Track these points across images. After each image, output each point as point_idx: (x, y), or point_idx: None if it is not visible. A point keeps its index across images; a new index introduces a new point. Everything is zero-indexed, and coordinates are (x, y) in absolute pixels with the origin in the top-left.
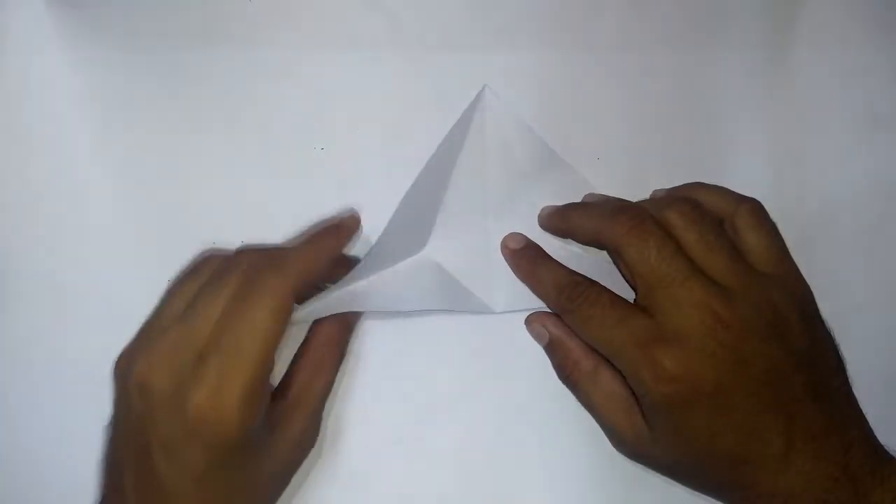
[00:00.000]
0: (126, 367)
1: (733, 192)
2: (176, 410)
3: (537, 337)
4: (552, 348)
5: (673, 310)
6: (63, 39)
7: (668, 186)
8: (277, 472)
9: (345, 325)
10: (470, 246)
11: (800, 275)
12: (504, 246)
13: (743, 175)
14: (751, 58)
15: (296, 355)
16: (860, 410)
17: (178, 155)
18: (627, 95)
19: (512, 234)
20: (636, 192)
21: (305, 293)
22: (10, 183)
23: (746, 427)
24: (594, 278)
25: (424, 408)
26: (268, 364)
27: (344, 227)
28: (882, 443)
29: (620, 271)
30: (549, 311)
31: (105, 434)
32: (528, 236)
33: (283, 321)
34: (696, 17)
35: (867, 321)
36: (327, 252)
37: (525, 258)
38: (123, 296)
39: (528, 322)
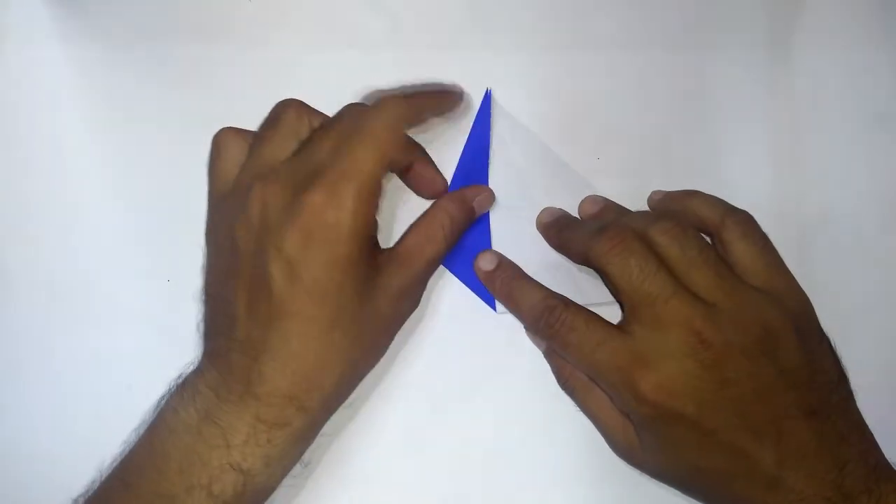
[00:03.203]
0: (245, 189)
1: (724, 204)
2: (294, 215)
3: (536, 343)
4: (550, 355)
5: (655, 329)
6: (62, 39)
7: (668, 187)
8: (381, 319)
9: (464, 206)
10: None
11: (795, 287)
12: (477, 268)
13: (743, 175)
14: (751, 58)
15: (413, 222)
16: (863, 425)
17: (178, 154)
18: (627, 95)
19: (484, 253)
20: (636, 193)
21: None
22: (8, 182)
23: (732, 445)
24: (589, 287)
25: (424, 408)
26: (381, 172)
27: (451, 93)
28: (885, 447)
29: (609, 290)
30: None
31: (204, 281)
32: (528, 236)
33: (398, 133)
34: (697, 17)
35: (868, 322)
36: (433, 101)
37: (499, 280)
38: (122, 295)
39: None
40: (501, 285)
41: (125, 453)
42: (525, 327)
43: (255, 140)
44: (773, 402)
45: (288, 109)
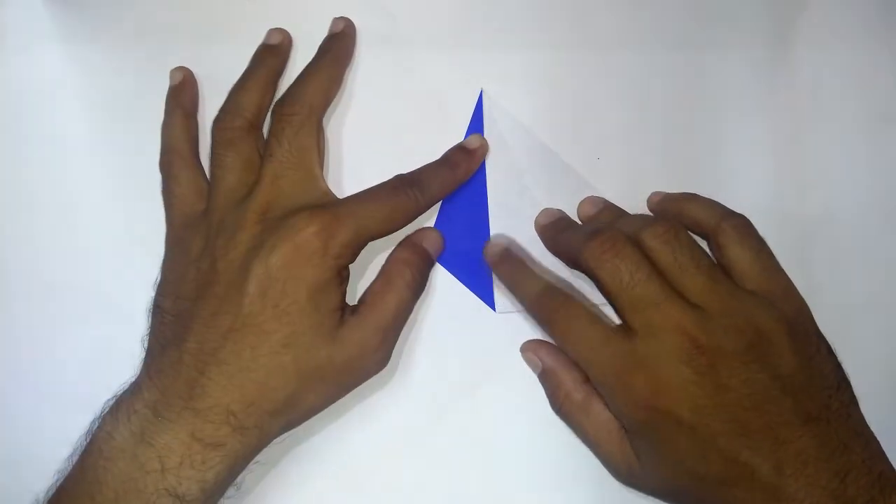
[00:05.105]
0: (229, 216)
1: (720, 208)
2: (286, 238)
3: (531, 365)
4: (545, 378)
5: (648, 335)
6: (62, 39)
7: (667, 187)
8: (333, 366)
9: (416, 250)
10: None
11: (792, 291)
12: (485, 253)
13: (743, 176)
14: (752, 57)
15: (374, 279)
16: (867, 432)
17: None
18: (627, 95)
19: (492, 240)
20: (636, 192)
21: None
22: (8, 182)
23: (730, 452)
24: (588, 289)
25: (425, 408)
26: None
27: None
28: (889, 453)
29: (602, 294)
30: (544, 338)
31: (159, 297)
32: (528, 236)
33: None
34: (697, 17)
35: (870, 324)
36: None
37: (506, 264)
38: (122, 295)
39: (523, 350)
40: (508, 272)
41: (59, 482)
42: (523, 347)
43: (218, 168)
44: (769, 408)
45: (235, 129)
